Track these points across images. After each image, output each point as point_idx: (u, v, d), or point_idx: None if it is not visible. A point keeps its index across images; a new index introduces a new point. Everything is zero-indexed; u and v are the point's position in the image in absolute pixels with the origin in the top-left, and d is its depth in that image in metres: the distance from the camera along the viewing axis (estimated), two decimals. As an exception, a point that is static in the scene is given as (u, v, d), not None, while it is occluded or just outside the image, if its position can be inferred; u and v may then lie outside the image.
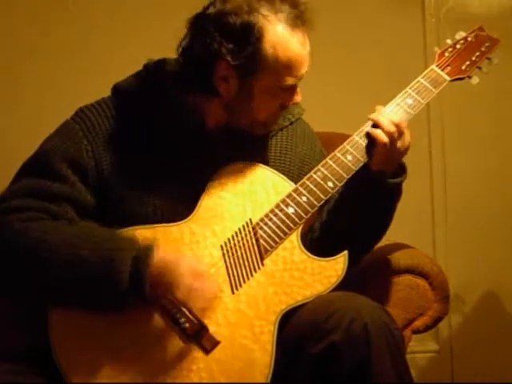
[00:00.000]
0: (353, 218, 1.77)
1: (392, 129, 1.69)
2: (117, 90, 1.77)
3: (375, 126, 1.71)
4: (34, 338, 1.66)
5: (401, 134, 1.70)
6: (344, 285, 1.66)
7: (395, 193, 1.78)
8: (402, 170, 1.76)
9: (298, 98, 1.71)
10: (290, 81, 1.66)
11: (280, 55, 1.63)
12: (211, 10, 1.65)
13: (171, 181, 1.70)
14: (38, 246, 1.58)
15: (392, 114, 1.73)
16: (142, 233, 1.63)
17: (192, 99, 1.71)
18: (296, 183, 1.73)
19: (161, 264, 1.57)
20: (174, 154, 1.71)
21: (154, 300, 1.58)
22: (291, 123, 1.84)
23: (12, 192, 1.66)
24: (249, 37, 1.61)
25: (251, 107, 1.68)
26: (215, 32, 1.63)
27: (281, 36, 1.63)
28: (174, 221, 1.67)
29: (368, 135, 1.71)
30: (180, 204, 1.69)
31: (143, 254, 1.56)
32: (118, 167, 1.69)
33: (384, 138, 1.69)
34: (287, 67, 1.64)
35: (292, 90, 1.69)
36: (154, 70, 1.75)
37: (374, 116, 1.72)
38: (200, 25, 1.66)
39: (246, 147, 1.75)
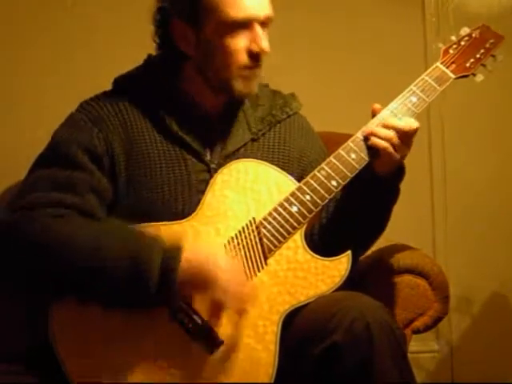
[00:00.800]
0: (350, 218, 1.77)
1: (388, 133, 1.68)
2: (118, 82, 1.78)
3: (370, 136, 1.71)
4: (34, 338, 1.66)
5: (403, 136, 1.69)
6: (345, 285, 1.65)
7: (394, 193, 1.78)
8: (400, 171, 1.76)
9: (261, 42, 1.68)
10: (232, 13, 1.66)
11: None
12: None
13: (176, 167, 1.70)
14: (64, 244, 1.57)
15: (390, 117, 1.71)
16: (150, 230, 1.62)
17: (184, 85, 1.74)
18: (295, 176, 1.74)
19: (191, 264, 1.56)
20: (178, 144, 1.72)
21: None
22: (289, 116, 1.84)
23: (31, 184, 1.65)
24: None
25: (216, 56, 1.68)
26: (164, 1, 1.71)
27: None
28: (178, 217, 1.66)
29: (366, 140, 1.71)
30: (186, 190, 1.69)
31: (171, 257, 1.55)
32: (126, 155, 1.70)
33: (383, 143, 1.68)
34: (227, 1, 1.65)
35: (250, 31, 1.68)
36: (154, 63, 1.77)
37: (364, 129, 1.71)
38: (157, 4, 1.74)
39: (243, 139, 1.76)
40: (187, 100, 1.75)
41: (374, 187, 1.73)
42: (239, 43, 1.68)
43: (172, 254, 1.55)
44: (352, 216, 1.77)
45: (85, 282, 1.56)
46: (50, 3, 2.53)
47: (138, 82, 1.76)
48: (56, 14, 2.53)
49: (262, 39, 1.68)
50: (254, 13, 1.67)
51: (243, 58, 1.69)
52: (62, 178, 1.64)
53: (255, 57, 1.69)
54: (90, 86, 1.81)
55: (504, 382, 2.61)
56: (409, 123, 1.70)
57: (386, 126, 1.69)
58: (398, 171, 1.75)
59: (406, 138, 1.69)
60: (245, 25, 1.67)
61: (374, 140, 1.69)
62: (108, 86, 1.79)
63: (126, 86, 1.76)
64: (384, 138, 1.68)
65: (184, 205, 1.69)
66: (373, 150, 1.70)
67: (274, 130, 1.82)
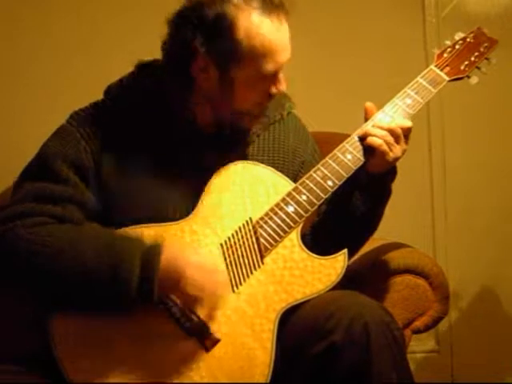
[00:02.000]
0: (342, 218, 1.78)
1: (382, 133, 1.70)
2: (109, 91, 1.78)
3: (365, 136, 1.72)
4: (35, 339, 1.66)
5: (396, 136, 1.71)
6: (345, 284, 1.66)
7: (386, 194, 1.79)
8: (392, 172, 1.77)
9: (282, 86, 1.70)
10: (269, 68, 1.65)
11: (254, 43, 1.62)
12: (186, 4, 1.67)
13: (169, 179, 1.71)
14: (41, 251, 1.58)
15: (384, 119, 1.73)
16: (143, 232, 1.64)
17: (181, 98, 1.72)
18: (290, 176, 1.75)
19: (169, 263, 1.57)
20: (170, 153, 1.72)
21: (159, 298, 1.58)
22: (283, 117, 1.85)
23: (15, 199, 1.67)
24: (222, 27, 1.62)
25: (234, 98, 1.68)
26: (190, 25, 1.65)
27: (253, 23, 1.62)
28: (174, 219, 1.67)
29: (361, 140, 1.72)
30: (179, 202, 1.69)
31: (151, 258, 1.57)
32: (115, 167, 1.70)
33: (378, 141, 1.70)
34: (264, 54, 1.63)
35: (274, 78, 1.68)
36: (145, 71, 1.76)
37: (359, 130, 1.73)
38: (177, 20, 1.68)
39: (239, 142, 1.76)
40: (183, 113, 1.73)
41: (367, 187, 1.74)
42: (261, 89, 1.68)
43: (152, 255, 1.57)
44: (344, 216, 1.78)
45: (65, 288, 1.57)
46: (50, 5, 2.55)
47: (131, 93, 1.75)
48: (55, 16, 2.55)
49: (283, 82, 1.70)
50: (283, 62, 1.67)
51: (259, 100, 1.71)
52: (45, 191, 1.65)
53: (271, 96, 1.72)
54: (90, 86, 1.82)
55: (504, 381, 2.61)
56: (401, 123, 1.72)
57: (381, 127, 1.71)
58: (391, 172, 1.76)
59: (399, 137, 1.71)
60: (272, 74, 1.67)
61: (369, 139, 1.71)
62: (104, 88, 1.80)
63: (118, 97, 1.76)
64: (379, 138, 1.70)
65: (178, 210, 1.69)
66: (368, 150, 1.71)
67: (269, 131, 1.82)
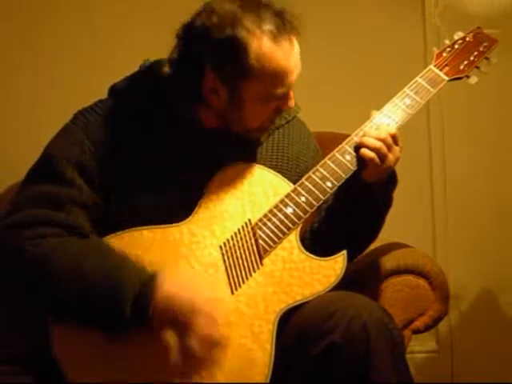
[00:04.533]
0: (342, 224, 1.78)
1: (377, 144, 1.69)
2: (113, 91, 1.78)
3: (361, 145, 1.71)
4: (34, 339, 1.66)
5: (389, 146, 1.70)
6: (344, 285, 1.66)
7: (386, 202, 1.79)
8: (392, 178, 1.77)
9: (290, 103, 1.70)
10: (279, 91, 1.65)
11: (266, 67, 1.62)
12: (197, 22, 1.65)
13: (171, 181, 1.70)
14: (42, 265, 1.57)
15: (383, 123, 1.73)
16: (143, 234, 1.64)
17: (188, 107, 1.72)
18: (293, 182, 1.74)
19: (169, 300, 1.54)
20: (173, 154, 1.72)
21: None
22: (287, 122, 1.85)
23: (19, 202, 1.66)
24: (233, 51, 1.61)
25: (243, 117, 1.68)
26: (200, 45, 1.64)
27: (265, 48, 1.61)
28: (175, 220, 1.67)
29: (356, 150, 1.72)
30: (180, 203, 1.69)
31: (147, 288, 1.54)
32: (119, 168, 1.69)
33: (370, 154, 1.69)
34: (274, 79, 1.63)
35: (284, 96, 1.68)
36: (150, 72, 1.76)
37: (357, 139, 1.72)
38: (186, 37, 1.67)
39: (243, 146, 1.75)
40: (187, 115, 1.73)
41: (365, 195, 1.74)
42: (271, 107, 1.68)
43: (149, 283, 1.54)
44: (344, 222, 1.78)
45: (59, 304, 1.57)
46: (50, 6, 2.55)
47: (135, 92, 1.74)
48: (59, 16, 2.55)
49: (292, 99, 1.70)
50: (292, 83, 1.66)
51: (270, 116, 1.71)
52: (50, 195, 1.64)
53: (280, 112, 1.72)
54: (94, 86, 1.82)
55: (504, 381, 2.61)
56: (389, 130, 1.71)
57: (376, 137, 1.70)
58: (390, 180, 1.76)
59: (391, 146, 1.70)
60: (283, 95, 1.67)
61: (362, 151, 1.70)
62: (107, 87, 1.79)
63: (122, 96, 1.75)
64: (373, 149, 1.69)
65: (179, 211, 1.68)
66: (360, 165, 1.71)
67: (273, 136, 1.82)
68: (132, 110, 1.73)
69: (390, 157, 1.70)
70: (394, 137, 1.71)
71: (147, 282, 1.54)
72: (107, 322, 1.55)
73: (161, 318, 1.54)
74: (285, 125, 1.85)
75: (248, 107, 1.66)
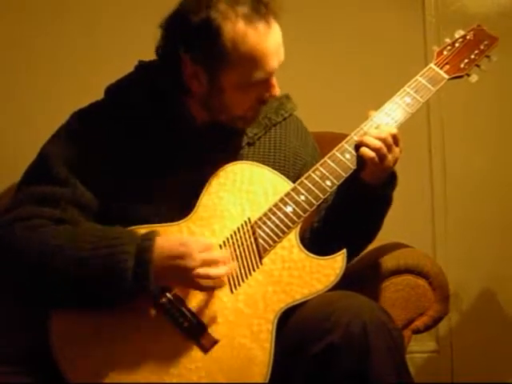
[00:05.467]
0: (342, 224, 1.78)
1: (378, 144, 1.69)
2: (109, 91, 1.78)
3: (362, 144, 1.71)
4: (33, 339, 1.66)
5: (389, 146, 1.69)
6: (344, 284, 1.66)
7: (385, 202, 1.78)
8: (392, 178, 1.76)
9: (275, 90, 1.69)
10: (259, 76, 1.64)
11: (241, 50, 1.61)
12: (177, 9, 1.66)
13: (169, 180, 1.71)
14: (40, 252, 1.58)
15: (383, 123, 1.72)
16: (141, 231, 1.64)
17: (177, 99, 1.72)
18: (291, 178, 1.74)
19: (165, 249, 1.57)
20: (171, 153, 1.72)
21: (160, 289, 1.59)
22: (284, 119, 1.84)
23: (15, 202, 1.67)
24: (207, 34, 1.60)
25: (225, 103, 1.67)
26: (177, 30, 1.64)
27: (239, 31, 1.60)
28: (173, 220, 1.67)
29: (356, 149, 1.71)
30: (179, 202, 1.69)
31: (145, 246, 1.57)
32: (115, 168, 1.70)
33: (371, 154, 1.69)
34: (251, 61, 1.62)
35: (266, 83, 1.67)
36: (145, 71, 1.76)
37: (358, 138, 1.71)
38: (165, 26, 1.68)
39: (239, 143, 1.76)
40: (181, 112, 1.73)
41: (365, 195, 1.73)
42: (253, 95, 1.68)
43: (146, 240, 1.57)
44: (343, 222, 1.78)
45: (61, 287, 1.57)
46: (50, 6, 2.55)
47: (131, 92, 1.74)
48: (56, 17, 2.55)
49: (275, 87, 1.68)
50: (274, 68, 1.65)
51: (253, 104, 1.70)
52: (45, 194, 1.65)
53: (264, 101, 1.71)
54: (90, 86, 1.82)
55: (504, 381, 2.61)
56: (390, 130, 1.70)
57: (377, 137, 1.69)
58: (390, 181, 1.76)
59: (391, 146, 1.69)
60: (263, 80, 1.66)
61: (363, 149, 1.69)
62: (104, 87, 1.79)
63: (118, 96, 1.76)
64: (372, 148, 1.68)
65: (177, 210, 1.68)
66: (359, 164, 1.71)
67: (270, 133, 1.82)
68: (127, 110, 1.73)
69: (389, 157, 1.69)
70: (394, 137, 1.70)
71: (143, 245, 1.57)
72: (108, 290, 1.55)
73: (162, 270, 1.56)
74: (281, 122, 1.84)
75: (229, 93, 1.66)
